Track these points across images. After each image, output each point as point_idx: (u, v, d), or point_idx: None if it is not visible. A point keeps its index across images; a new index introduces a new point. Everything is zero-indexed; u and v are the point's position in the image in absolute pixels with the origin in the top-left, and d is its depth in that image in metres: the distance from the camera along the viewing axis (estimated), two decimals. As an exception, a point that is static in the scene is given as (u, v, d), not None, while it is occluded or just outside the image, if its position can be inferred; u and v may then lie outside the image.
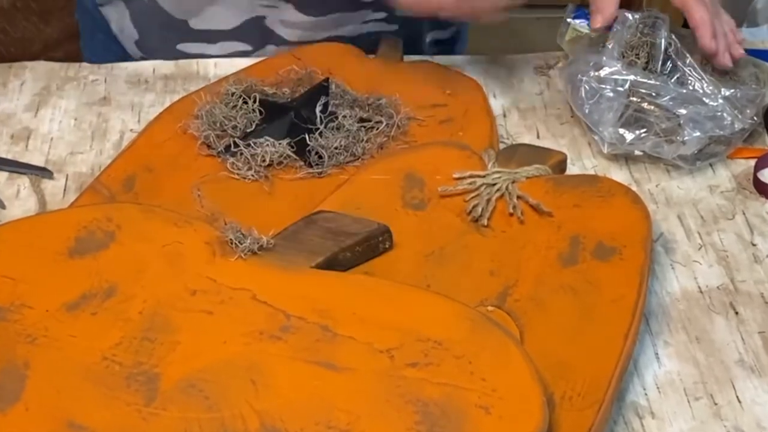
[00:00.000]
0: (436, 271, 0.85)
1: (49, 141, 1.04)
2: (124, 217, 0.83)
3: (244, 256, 0.80)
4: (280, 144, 0.97)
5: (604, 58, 1.02)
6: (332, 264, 0.81)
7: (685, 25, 1.05)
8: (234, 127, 0.99)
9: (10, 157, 1.02)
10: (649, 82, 1.01)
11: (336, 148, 0.97)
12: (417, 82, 1.08)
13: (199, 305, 0.77)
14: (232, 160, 0.96)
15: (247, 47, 1.17)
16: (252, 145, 0.97)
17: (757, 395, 0.80)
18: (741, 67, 1.05)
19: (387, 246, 0.86)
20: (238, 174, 0.96)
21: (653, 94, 1.01)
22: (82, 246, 0.81)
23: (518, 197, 0.89)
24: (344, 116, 0.99)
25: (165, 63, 1.15)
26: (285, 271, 0.79)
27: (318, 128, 0.98)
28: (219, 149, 0.98)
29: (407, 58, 1.14)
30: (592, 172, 1.01)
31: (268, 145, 0.97)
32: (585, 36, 1.11)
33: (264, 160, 0.96)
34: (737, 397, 0.80)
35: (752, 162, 1.01)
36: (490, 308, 0.81)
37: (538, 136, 1.06)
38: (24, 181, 0.99)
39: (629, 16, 1.04)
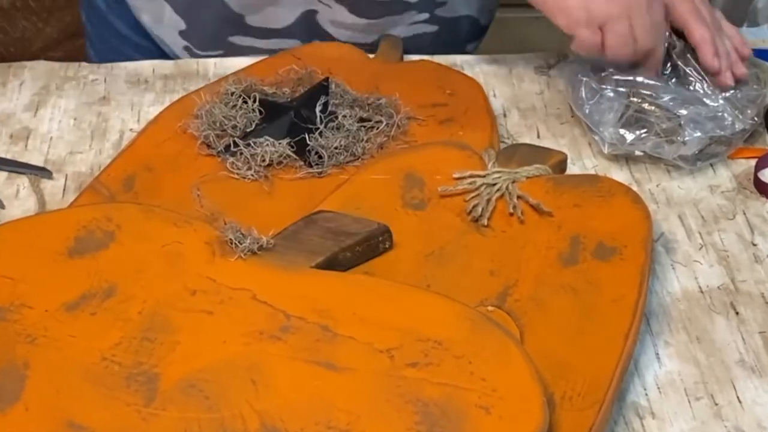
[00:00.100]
0: (436, 271, 0.85)
1: (48, 141, 1.04)
2: (123, 217, 0.83)
3: (243, 256, 0.80)
4: (279, 144, 0.97)
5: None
6: (332, 264, 0.81)
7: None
8: (234, 127, 0.99)
9: (9, 156, 1.02)
10: (650, 82, 1.01)
11: (336, 147, 0.97)
12: (417, 82, 1.08)
13: (199, 305, 0.77)
14: (231, 159, 0.96)
15: (297, 43, 1.17)
16: (252, 144, 0.97)
17: (758, 395, 0.80)
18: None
19: (387, 246, 0.86)
20: (237, 174, 0.96)
21: (653, 94, 1.01)
22: (82, 246, 0.81)
23: (518, 197, 0.89)
24: (344, 116, 0.99)
25: (165, 63, 1.15)
26: (285, 271, 0.79)
27: (318, 128, 0.98)
28: (219, 149, 0.98)
29: (411, 57, 1.14)
30: (592, 172, 1.01)
31: (267, 144, 0.96)
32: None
33: (264, 160, 0.96)
34: (738, 397, 0.80)
35: (753, 162, 1.01)
36: (490, 308, 0.81)
37: (538, 136, 1.06)
38: (23, 181, 0.99)
39: None
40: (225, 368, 0.72)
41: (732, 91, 1.02)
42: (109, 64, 1.15)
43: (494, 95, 1.11)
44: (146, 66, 1.14)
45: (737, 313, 0.87)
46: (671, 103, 1.00)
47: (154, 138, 1.00)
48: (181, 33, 1.20)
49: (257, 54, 1.15)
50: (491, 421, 0.68)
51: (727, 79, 1.02)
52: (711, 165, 1.02)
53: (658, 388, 0.80)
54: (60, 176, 1.00)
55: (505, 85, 1.13)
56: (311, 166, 0.96)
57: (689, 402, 0.79)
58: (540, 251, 0.86)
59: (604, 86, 1.02)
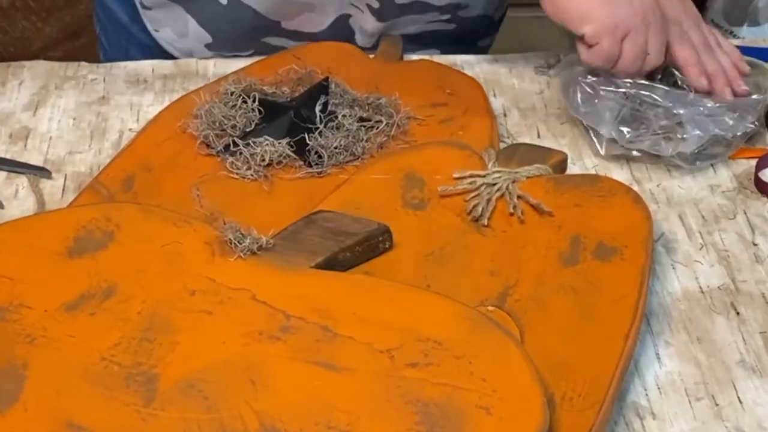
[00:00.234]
0: (436, 271, 0.84)
1: (47, 140, 1.04)
2: (123, 217, 0.83)
3: (243, 256, 0.79)
4: (279, 143, 0.97)
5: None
6: (332, 264, 0.81)
7: None
8: (233, 127, 0.99)
9: (8, 156, 1.02)
10: (648, 83, 1.01)
11: (336, 147, 0.97)
12: (417, 82, 1.08)
13: (199, 305, 0.77)
14: (231, 159, 0.96)
15: None
16: (251, 144, 0.97)
17: (759, 396, 0.80)
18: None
19: (387, 246, 0.85)
20: (237, 173, 0.95)
21: (652, 94, 1.01)
22: (81, 246, 0.81)
23: (518, 197, 0.89)
24: (344, 116, 0.99)
25: (164, 63, 1.15)
26: (285, 271, 0.79)
27: (318, 128, 0.98)
28: (218, 149, 0.98)
29: (414, 56, 1.14)
30: (592, 172, 1.01)
31: (267, 144, 0.96)
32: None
33: (263, 160, 0.96)
34: (738, 397, 0.80)
35: (753, 162, 1.01)
36: (490, 308, 0.81)
37: (538, 136, 1.06)
38: (22, 181, 0.99)
39: None
40: (224, 368, 0.72)
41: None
42: (108, 64, 1.15)
43: (494, 95, 1.11)
44: (145, 66, 1.14)
45: (738, 314, 0.86)
46: (670, 103, 1.00)
47: (153, 138, 1.00)
48: (208, 46, 1.19)
49: None
50: (491, 421, 0.68)
51: (726, 95, 1.02)
52: (711, 165, 1.02)
53: (659, 388, 0.80)
54: (59, 176, 1.00)
55: (505, 85, 1.13)
56: (311, 166, 0.96)
57: (690, 402, 0.79)
58: (540, 251, 0.85)
59: (601, 88, 1.02)
